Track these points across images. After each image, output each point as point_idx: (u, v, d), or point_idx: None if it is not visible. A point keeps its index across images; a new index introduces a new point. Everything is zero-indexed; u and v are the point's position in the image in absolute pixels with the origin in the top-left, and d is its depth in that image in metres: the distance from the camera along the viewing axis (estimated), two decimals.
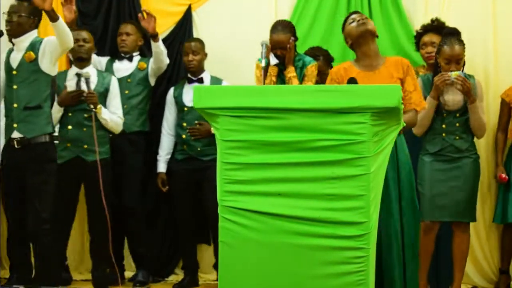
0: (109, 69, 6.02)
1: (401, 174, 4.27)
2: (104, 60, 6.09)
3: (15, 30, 5.01)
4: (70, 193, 5.56)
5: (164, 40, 6.30)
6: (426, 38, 5.66)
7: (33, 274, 5.34)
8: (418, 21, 6.00)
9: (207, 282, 6.09)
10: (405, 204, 4.31)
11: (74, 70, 5.61)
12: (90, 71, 5.56)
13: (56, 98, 5.44)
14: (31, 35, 5.08)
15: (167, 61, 6.02)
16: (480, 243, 5.95)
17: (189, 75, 6.01)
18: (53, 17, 4.85)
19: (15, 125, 4.96)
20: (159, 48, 5.89)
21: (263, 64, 4.73)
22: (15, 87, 4.97)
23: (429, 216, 5.12)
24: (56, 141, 5.39)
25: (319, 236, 3.44)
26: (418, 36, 5.78)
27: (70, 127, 5.40)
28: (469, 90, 4.98)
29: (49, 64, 5.03)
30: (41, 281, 5.08)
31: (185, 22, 6.40)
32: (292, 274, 3.47)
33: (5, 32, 5.11)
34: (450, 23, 5.86)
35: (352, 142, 3.44)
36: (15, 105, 4.97)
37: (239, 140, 3.57)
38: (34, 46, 5.01)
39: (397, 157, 4.33)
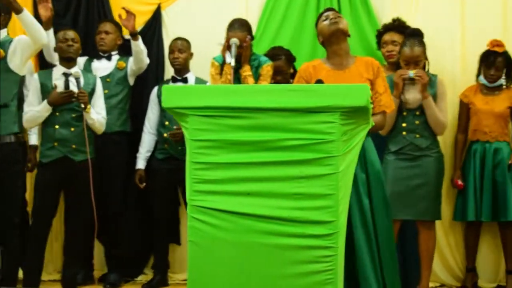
0: (87, 68, 5.97)
1: (370, 174, 4.26)
2: (82, 60, 6.01)
3: None
4: (52, 193, 5.47)
5: (128, 40, 6.28)
6: (387, 36, 5.71)
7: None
8: (387, 20, 6.01)
9: (176, 282, 6.07)
10: (376, 203, 4.30)
11: (60, 69, 5.52)
12: (78, 71, 5.51)
13: (43, 98, 5.40)
14: (2, 33, 5.03)
15: (147, 60, 6.00)
16: (447, 241, 5.99)
17: (173, 74, 5.98)
18: (17, 9, 4.82)
19: None
20: (139, 47, 5.87)
21: (232, 63, 4.73)
22: None
23: (394, 214, 5.13)
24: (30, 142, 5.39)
25: (288, 236, 3.44)
26: (379, 35, 5.83)
27: (57, 126, 5.34)
28: (424, 85, 5.01)
29: (19, 63, 4.99)
30: (8, 283, 5.03)
31: (155, 21, 6.38)
32: (261, 274, 3.47)
33: None
34: (417, 23, 5.90)
35: (321, 142, 3.44)
36: None
37: (208, 139, 3.56)
38: (3, 45, 4.95)
39: (365, 157, 4.33)
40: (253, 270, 3.48)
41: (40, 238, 5.45)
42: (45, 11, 5.59)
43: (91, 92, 5.50)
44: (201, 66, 6.02)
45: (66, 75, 5.43)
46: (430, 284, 5.86)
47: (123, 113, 6.04)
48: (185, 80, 5.91)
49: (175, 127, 5.67)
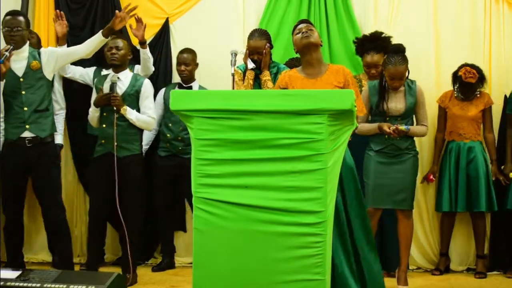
0: (97, 76, 5.94)
1: (342, 171, 4.16)
2: (91, 70, 5.98)
3: (19, 43, 4.98)
4: (101, 185, 5.39)
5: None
6: (368, 58, 5.63)
7: None
8: (368, 28, 6.00)
9: (182, 265, 6.07)
10: (349, 197, 4.27)
11: (111, 74, 5.54)
12: (125, 75, 5.46)
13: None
14: (27, 46, 5.06)
15: (152, 68, 5.96)
16: (423, 230, 5.99)
17: (180, 82, 5.97)
18: (108, 35, 5.21)
19: (27, 126, 4.95)
20: (146, 54, 5.83)
21: (232, 71, 4.72)
22: (23, 92, 4.96)
23: (372, 204, 5.18)
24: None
25: (282, 224, 3.45)
26: (360, 48, 5.75)
27: (104, 125, 5.35)
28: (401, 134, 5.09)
29: (51, 71, 5.11)
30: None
31: (163, 33, 6.35)
32: (258, 257, 3.48)
33: None
34: (398, 31, 5.91)
35: (311, 140, 3.45)
36: (25, 108, 4.94)
37: (211, 138, 3.57)
38: (35, 57, 5.00)
39: None
40: (251, 254, 3.49)
41: (99, 224, 5.57)
42: (61, 28, 5.59)
43: (135, 93, 5.42)
44: (206, 74, 6.02)
45: (111, 80, 5.44)
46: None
47: None
48: (189, 88, 5.89)
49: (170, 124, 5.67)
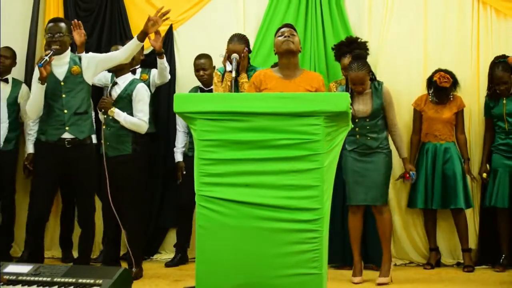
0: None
1: None
2: (109, 74, 5.95)
3: (60, 49, 4.98)
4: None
5: (148, 55, 6.29)
6: (346, 60, 5.60)
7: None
8: (362, 33, 6.03)
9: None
10: None
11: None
12: (123, 79, 5.42)
13: None
14: (69, 52, 5.06)
15: (169, 76, 5.96)
16: (415, 226, 6.01)
17: (201, 86, 5.97)
18: (143, 39, 5.10)
19: (66, 128, 4.95)
20: (163, 64, 5.84)
21: (233, 74, 4.74)
22: (63, 96, 4.97)
23: (353, 201, 5.21)
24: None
25: (281, 221, 3.46)
26: (338, 53, 5.76)
27: (104, 126, 5.39)
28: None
29: (91, 76, 5.08)
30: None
31: (167, 40, 6.37)
32: (257, 253, 3.49)
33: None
34: (389, 37, 5.97)
35: (308, 141, 3.46)
36: (65, 111, 4.95)
37: (213, 139, 3.58)
38: (75, 62, 5.00)
39: None
40: (251, 250, 3.50)
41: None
42: (80, 37, 5.54)
43: (128, 97, 5.38)
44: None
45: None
46: (400, 262, 5.91)
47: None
48: (210, 91, 5.82)
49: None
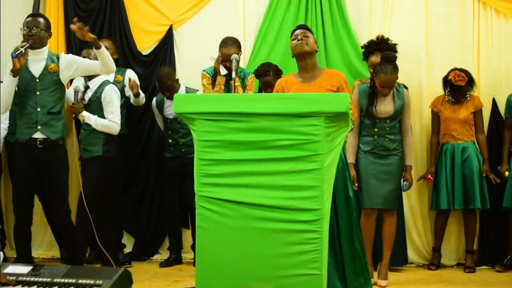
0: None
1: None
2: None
3: (37, 43, 4.91)
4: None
5: (148, 55, 6.29)
6: (374, 58, 5.59)
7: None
8: (363, 34, 6.04)
9: (186, 260, 6.07)
10: (338, 196, 4.24)
11: (77, 81, 5.57)
12: (95, 82, 5.45)
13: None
14: (46, 48, 4.98)
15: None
16: (416, 228, 5.99)
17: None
18: (97, 46, 4.82)
19: (39, 127, 4.88)
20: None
21: (233, 75, 4.73)
22: (38, 93, 4.91)
23: (368, 204, 5.15)
24: None
25: (281, 221, 3.46)
26: (366, 52, 5.75)
27: (81, 130, 5.45)
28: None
29: (68, 77, 4.97)
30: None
31: (167, 39, 6.36)
32: (258, 253, 3.49)
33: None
34: (391, 37, 5.91)
35: (308, 142, 3.46)
36: (38, 109, 4.91)
37: (213, 140, 3.58)
38: (53, 60, 4.93)
39: None
40: (251, 250, 3.50)
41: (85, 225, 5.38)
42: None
43: (97, 99, 5.41)
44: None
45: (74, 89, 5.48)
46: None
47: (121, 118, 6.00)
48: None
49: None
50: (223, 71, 5.29)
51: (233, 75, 4.79)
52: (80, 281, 3.39)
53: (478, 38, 5.98)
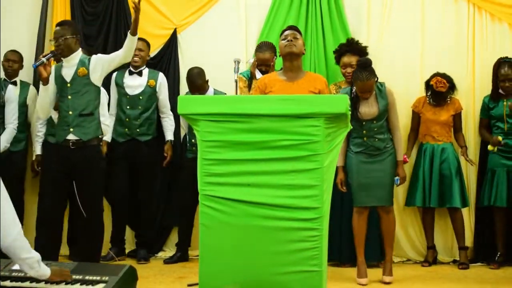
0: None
1: None
2: None
3: (65, 52, 4.95)
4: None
5: (153, 58, 6.30)
6: (345, 59, 5.66)
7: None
8: (361, 38, 6.01)
9: (190, 257, 6.06)
10: None
11: None
12: None
13: None
14: (78, 53, 5.01)
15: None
16: (412, 225, 6.01)
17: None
18: (135, 31, 4.85)
19: (71, 129, 4.90)
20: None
21: (235, 77, 4.73)
22: (69, 97, 4.93)
23: (358, 202, 5.14)
24: None
25: (282, 219, 3.47)
26: (338, 55, 5.78)
27: None
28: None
29: (99, 77, 4.96)
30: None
31: (172, 43, 6.37)
32: (259, 250, 3.50)
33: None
34: (387, 41, 5.98)
35: (309, 142, 3.47)
36: (70, 112, 4.92)
37: (216, 140, 3.59)
38: (84, 63, 4.95)
39: None
40: (253, 248, 3.51)
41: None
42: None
43: None
44: (211, 80, 6.00)
45: None
46: (398, 259, 5.91)
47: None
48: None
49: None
50: (258, 74, 5.32)
51: (235, 77, 4.80)
52: (87, 277, 3.39)
53: (473, 41, 5.99)
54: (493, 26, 6.00)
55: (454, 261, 5.88)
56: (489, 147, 5.66)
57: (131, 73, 6.00)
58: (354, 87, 5.11)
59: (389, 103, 5.12)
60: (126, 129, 5.94)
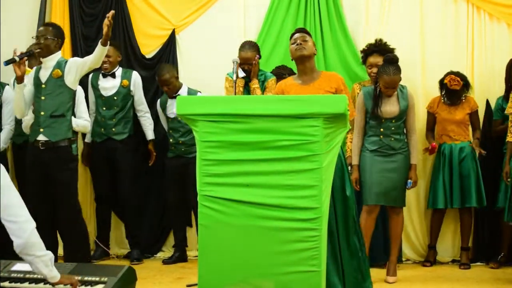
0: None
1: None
2: None
3: (44, 51, 4.96)
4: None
5: (151, 59, 6.30)
6: (372, 59, 5.65)
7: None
8: (360, 38, 6.05)
9: (189, 257, 6.06)
10: (336, 194, 4.20)
11: None
12: None
13: None
14: (57, 56, 5.02)
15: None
16: (412, 226, 6.00)
17: None
18: (106, 43, 4.87)
19: (41, 130, 4.91)
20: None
21: (234, 78, 4.73)
22: (43, 98, 4.93)
23: (370, 201, 5.13)
24: None
25: (280, 219, 3.45)
26: (365, 54, 5.77)
27: None
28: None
29: (73, 80, 4.98)
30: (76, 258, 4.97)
31: (170, 43, 6.37)
32: (258, 251, 3.48)
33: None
34: (387, 40, 5.92)
35: (307, 142, 3.45)
36: (42, 113, 4.92)
37: (215, 140, 3.57)
38: (60, 65, 4.96)
39: None
40: (252, 248, 3.49)
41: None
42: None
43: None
44: (209, 80, 6.01)
45: None
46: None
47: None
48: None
49: None
50: (241, 73, 5.31)
51: (234, 78, 4.80)
52: (86, 278, 3.39)
53: (472, 41, 5.99)
54: (491, 25, 5.99)
55: (453, 261, 5.88)
56: None
57: (104, 75, 6.02)
58: (379, 84, 5.13)
59: (409, 105, 5.18)
60: (102, 129, 5.98)
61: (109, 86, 6.02)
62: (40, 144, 4.90)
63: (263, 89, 5.35)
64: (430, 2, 6.09)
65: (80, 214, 5.12)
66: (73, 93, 5.02)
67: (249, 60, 5.28)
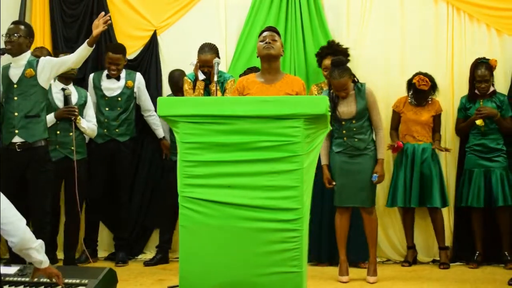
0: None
1: None
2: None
3: (15, 50, 4.90)
4: (58, 187, 5.55)
5: (133, 60, 6.27)
6: (326, 61, 5.68)
7: None
8: (341, 39, 6.05)
9: (170, 259, 6.03)
10: None
11: (58, 85, 5.53)
12: (71, 87, 5.53)
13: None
14: (27, 55, 4.96)
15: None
16: (393, 225, 6.04)
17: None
18: (93, 44, 4.88)
19: (16, 131, 4.85)
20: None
21: (215, 78, 4.72)
22: (15, 98, 4.87)
23: (339, 202, 5.17)
24: None
25: (262, 220, 3.44)
26: (320, 57, 5.85)
27: (58, 132, 5.36)
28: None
29: (46, 80, 4.93)
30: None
31: (152, 44, 6.36)
32: (240, 252, 3.47)
33: None
34: (367, 42, 6.03)
35: (288, 143, 3.45)
36: (16, 113, 4.86)
37: (195, 142, 3.56)
38: (32, 64, 4.89)
39: None
40: (233, 249, 3.48)
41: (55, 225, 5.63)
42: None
43: (84, 104, 5.51)
44: None
45: (63, 90, 5.51)
46: (378, 259, 5.90)
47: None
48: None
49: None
50: (201, 76, 5.29)
51: (215, 78, 4.78)
52: (66, 280, 3.36)
53: (452, 42, 6.03)
54: (471, 26, 6.04)
55: (434, 261, 5.90)
56: (478, 122, 5.63)
57: (108, 76, 5.97)
58: (332, 89, 5.14)
59: (369, 103, 5.13)
60: (105, 130, 5.91)
61: (113, 86, 5.97)
62: (16, 146, 4.84)
63: (223, 91, 5.34)
64: (410, 3, 6.13)
65: (49, 217, 5.04)
66: (45, 92, 4.98)
67: (208, 63, 5.24)
